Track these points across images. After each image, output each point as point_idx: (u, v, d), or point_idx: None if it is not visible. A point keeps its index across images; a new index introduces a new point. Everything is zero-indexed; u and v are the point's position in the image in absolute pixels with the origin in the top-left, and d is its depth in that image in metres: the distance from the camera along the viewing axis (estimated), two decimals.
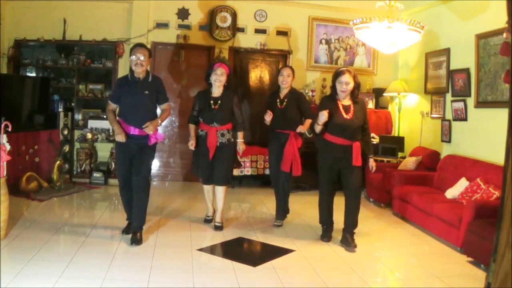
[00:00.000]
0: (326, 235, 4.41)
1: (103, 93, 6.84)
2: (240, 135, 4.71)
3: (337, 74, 4.20)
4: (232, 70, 7.02)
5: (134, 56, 4.02)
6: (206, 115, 4.57)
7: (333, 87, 4.26)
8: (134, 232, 4.10)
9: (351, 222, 4.27)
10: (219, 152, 4.56)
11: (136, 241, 4.04)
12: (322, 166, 4.32)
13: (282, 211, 4.96)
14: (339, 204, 4.41)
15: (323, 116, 4.05)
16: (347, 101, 4.22)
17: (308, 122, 4.76)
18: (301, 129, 4.76)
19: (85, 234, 4.22)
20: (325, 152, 4.27)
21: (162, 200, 5.70)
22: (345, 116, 4.15)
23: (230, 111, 4.61)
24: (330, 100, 4.26)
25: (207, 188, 4.76)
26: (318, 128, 4.19)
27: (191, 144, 4.60)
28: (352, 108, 4.19)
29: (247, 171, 6.73)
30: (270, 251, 4.12)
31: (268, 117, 4.73)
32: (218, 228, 4.63)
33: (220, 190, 4.63)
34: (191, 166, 5.06)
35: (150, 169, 4.31)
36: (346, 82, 4.12)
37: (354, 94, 4.21)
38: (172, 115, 7.02)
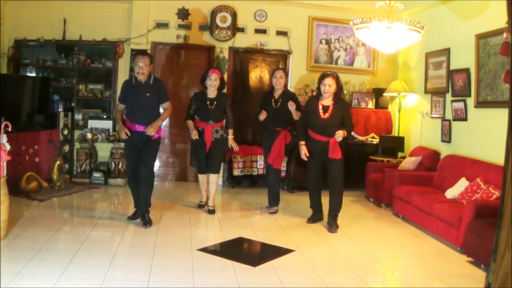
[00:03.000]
0: (312, 217, 4.97)
1: (103, 93, 6.83)
2: (230, 132, 5.28)
3: (321, 77, 4.75)
4: (232, 70, 7.08)
5: (136, 66, 4.48)
6: (203, 114, 5.12)
7: (318, 88, 4.78)
8: (143, 215, 4.62)
9: (335, 208, 4.80)
10: (213, 146, 5.12)
11: (147, 222, 4.57)
12: (309, 160, 4.87)
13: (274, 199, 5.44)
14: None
15: (303, 156, 4.81)
16: (328, 102, 4.74)
17: (298, 113, 5.24)
18: (292, 105, 5.17)
19: (85, 234, 4.22)
20: (308, 147, 4.82)
21: (162, 200, 5.70)
22: (322, 115, 4.71)
23: (224, 111, 5.19)
24: (314, 100, 4.85)
25: (202, 177, 5.33)
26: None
27: (195, 134, 5.07)
28: (331, 108, 4.71)
29: (247, 171, 6.73)
30: (270, 251, 4.12)
31: (263, 116, 5.26)
32: (211, 211, 5.23)
33: (214, 177, 5.24)
34: (190, 165, 5.55)
35: (154, 161, 4.75)
36: (328, 85, 4.66)
37: (337, 95, 4.74)
38: (172, 115, 7.01)
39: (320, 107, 4.72)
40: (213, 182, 5.24)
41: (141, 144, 4.56)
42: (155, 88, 4.59)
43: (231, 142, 5.27)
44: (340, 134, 4.57)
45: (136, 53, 4.68)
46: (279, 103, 5.29)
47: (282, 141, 5.29)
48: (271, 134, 5.34)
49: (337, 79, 4.70)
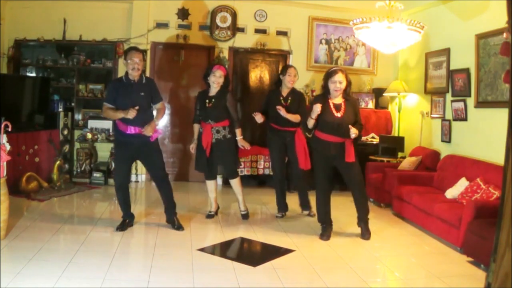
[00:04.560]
0: (325, 234, 4.46)
1: (103, 93, 6.81)
2: (238, 132, 4.88)
3: (329, 74, 4.34)
4: (232, 70, 7.08)
5: (130, 60, 4.23)
6: (203, 113, 4.80)
7: (325, 87, 4.40)
8: (171, 220, 4.53)
9: (363, 212, 4.51)
10: (216, 148, 4.78)
11: (180, 226, 4.50)
12: (317, 165, 4.45)
13: (307, 203, 5.21)
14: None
15: (318, 108, 4.20)
16: (338, 100, 4.35)
17: (298, 117, 4.95)
18: (284, 113, 4.88)
19: (85, 234, 4.22)
20: (319, 151, 4.39)
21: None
22: (336, 114, 4.29)
23: (224, 108, 4.77)
24: (322, 99, 4.39)
25: (209, 184, 4.97)
26: (311, 122, 4.31)
27: (192, 148, 4.89)
28: (343, 106, 4.32)
29: (247, 171, 6.72)
30: (270, 251, 4.12)
31: (260, 118, 4.91)
32: (245, 216, 4.97)
33: (234, 182, 4.92)
34: (192, 166, 5.31)
35: (163, 161, 4.54)
36: (339, 81, 4.26)
37: (346, 92, 4.36)
38: (172, 115, 7.02)
39: (332, 105, 4.31)
40: (235, 189, 4.93)
41: (136, 149, 4.33)
42: (148, 88, 4.38)
43: (241, 142, 4.85)
44: (354, 130, 4.16)
45: (129, 49, 4.39)
46: (289, 101, 5.02)
47: (302, 139, 4.98)
48: (281, 136, 5.02)
49: (346, 74, 4.33)
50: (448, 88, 5.84)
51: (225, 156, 4.83)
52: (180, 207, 5.46)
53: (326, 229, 4.49)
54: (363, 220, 4.53)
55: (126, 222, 4.46)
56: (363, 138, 6.95)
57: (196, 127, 4.90)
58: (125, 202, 4.48)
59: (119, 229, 4.36)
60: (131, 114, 4.13)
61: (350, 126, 4.20)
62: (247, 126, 7.10)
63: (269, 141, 5.16)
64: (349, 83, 4.35)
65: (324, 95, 4.42)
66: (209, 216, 5.01)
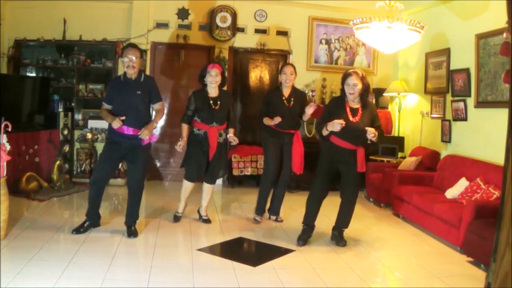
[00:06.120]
0: (302, 238, 4.28)
1: (103, 93, 6.80)
2: (231, 130, 4.75)
3: (345, 76, 4.15)
4: (232, 70, 7.08)
5: (126, 58, 4.06)
6: (206, 115, 4.58)
7: (342, 89, 4.19)
8: (129, 226, 4.28)
9: (343, 223, 4.33)
10: (216, 153, 4.62)
11: (133, 233, 4.25)
12: (321, 167, 4.28)
13: (277, 209, 5.06)
14: (336, 205, 4.40)
15: (338, 126, 3.97)
16: (356, 104, 4.15)
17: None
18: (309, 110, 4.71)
19: (85, 234, 4.21)
20: (327, 153, 4.23)
21: (162, 201, 5.70)
22: (351, 118, 4.07)
23: (228, 111, 4.70)
24: (339, 101, 4.23)
25: (191, 185, 4.74)
26: (325, 132, 4.14)
27: (179, 146, 4.59)
28: (360, 111, 4.12)
29: (247, 171, 6.72)
30: (270, 251, 4.11)
31: (277, 122, 4.67)
32: (207, 221, 4.83)
33: (210, 187, 4.80)
34: (182, 165, 4.88)
35: (145, 170, 4.34)
36: (354, 84, 4.06)
37: (364, 96, 4.14)
38: (172, 115, 7.02)
39: (348, 109, 4.11)
40: (208, 192, 4.79)
41: (127, 151, 4.14)
42: (146, 86, 4.16)
43: (232, 138, 4.66)
44: (372, 131, 3.94)
45: (126, 46, 4.22)
46: (291, 102, 4.80)
47: (301, 143, 4.86)
48: (280, 137, 4.81)
49: (362, 77, 4.07)
50: (448, 88, 5.84)
51: (221, 161, 4.72)
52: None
53: (305, 232, 4.31)
54: (338, 230, 4.33)
55: (87, 224, 4.26)
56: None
57: (186, 127, 4.64)
58: (94, 200, 4.25)
59: (75, 232, 4.17)
60: (115, 124, 3.97)
61: (369, 129, 3.97)
62: (247, 126, 7.13)
63: (266, 142, 4.91)
64: (366, 87, 4.10)
65: (342, 98, 4.22)
66: (177, 217, 4.84)
